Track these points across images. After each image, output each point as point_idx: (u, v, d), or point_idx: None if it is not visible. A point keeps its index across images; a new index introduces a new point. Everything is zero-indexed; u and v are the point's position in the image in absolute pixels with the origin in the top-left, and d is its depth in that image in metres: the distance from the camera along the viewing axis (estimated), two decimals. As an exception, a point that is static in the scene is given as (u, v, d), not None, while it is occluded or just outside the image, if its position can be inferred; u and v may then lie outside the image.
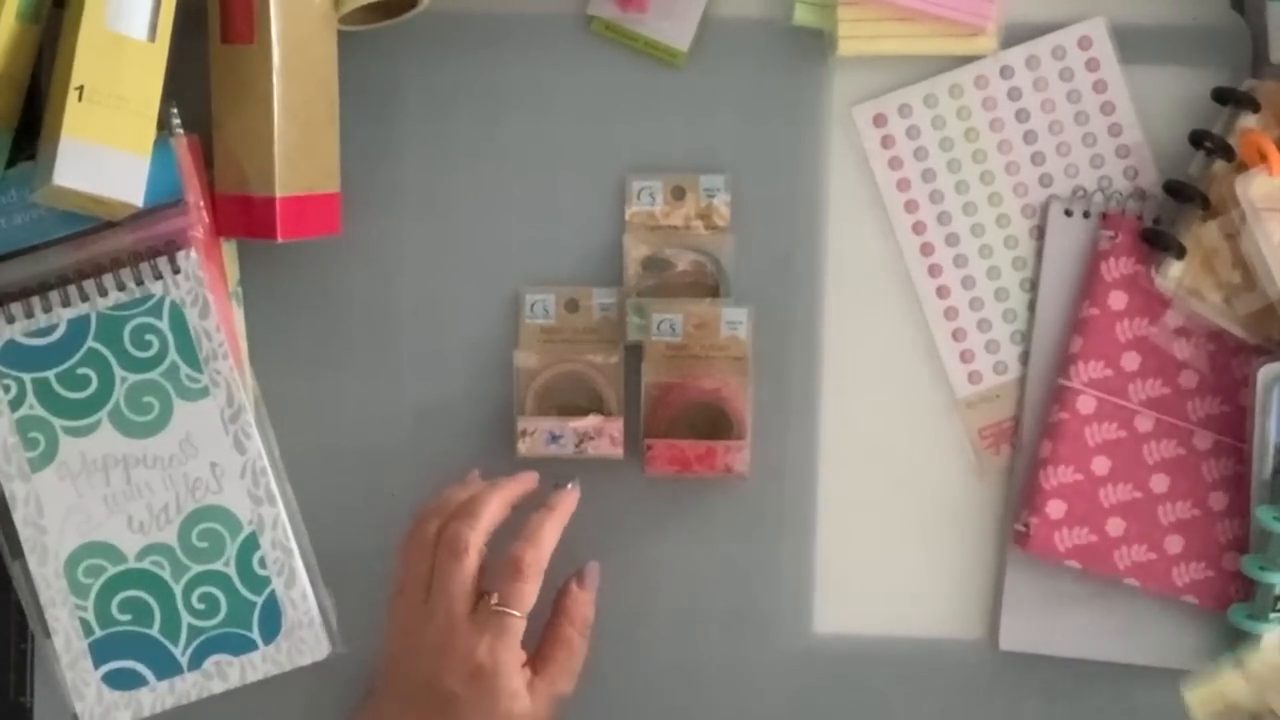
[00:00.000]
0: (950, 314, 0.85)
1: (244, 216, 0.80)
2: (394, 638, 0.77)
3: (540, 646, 0.79)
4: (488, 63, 0.85)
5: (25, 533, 0.81)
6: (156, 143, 0.77)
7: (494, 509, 0.77)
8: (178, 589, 0.81)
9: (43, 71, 0.80)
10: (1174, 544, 0.83)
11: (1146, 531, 0.83)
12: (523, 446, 0.82)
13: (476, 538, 0.76)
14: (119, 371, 0.81)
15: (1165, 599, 0.83)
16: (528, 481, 0.80)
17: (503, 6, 0.85)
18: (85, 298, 0.80)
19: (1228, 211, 0.79)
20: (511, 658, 0.75)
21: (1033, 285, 0.85)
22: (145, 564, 0.81)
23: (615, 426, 0.82)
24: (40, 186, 0.75)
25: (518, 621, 0.75)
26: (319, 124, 0.81)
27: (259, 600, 0.82)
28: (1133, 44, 0.84)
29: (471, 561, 0.75)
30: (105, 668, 0.81)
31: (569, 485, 0.81)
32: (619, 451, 0.82)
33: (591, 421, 0.82)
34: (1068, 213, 0.84)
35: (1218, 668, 0.76)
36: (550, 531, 0.77)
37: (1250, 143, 0.79)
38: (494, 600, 0.75)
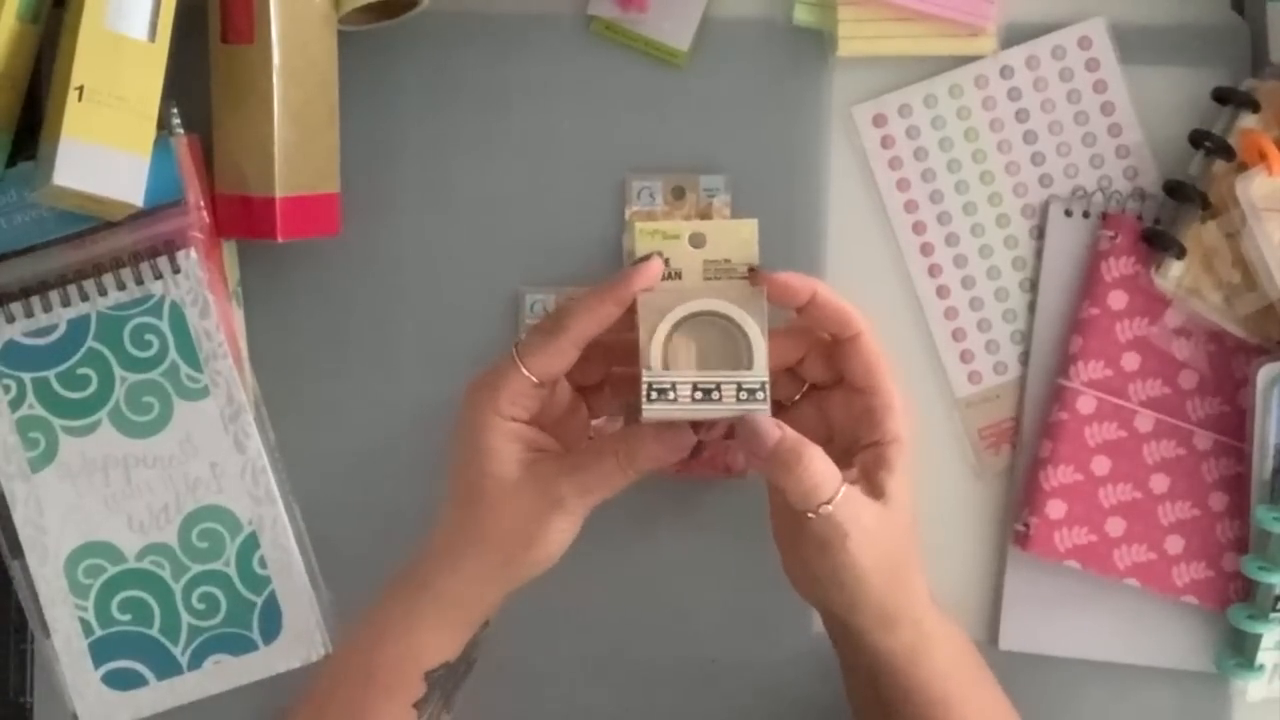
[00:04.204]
0: (950, 314, 0.85)
1: (244, 216, 0.80)
2: None
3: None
4: (488, 62, 0.85)
5: (25, 533, 0.81)
6: (156, 143, 0.77)
7: (587, 312, 0.70)
8: (177, 589, 0.81)
9: (43, 71, 0.80)
10: (1174, 544, 0.83)
11: (1146, 531, 0.83)
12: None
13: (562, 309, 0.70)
14: (119, 371, 0.81)
15: (1165, 599, 0.83)
16: (631, 277, 0.70)
17: (503, 6, 0.85)
18: (85, 298, 0.80)
19: (1228, 211, 0.79)
20: (483, 403, 0.70)
21: (1033, 285, 0.85)
22: (145, 564, 0.81)
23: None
24: (40, 186, 0.75)
25: (514, 370, 0.70)
26: (319, 124, 0.81)
27: (259, 600, 0.82)
28: (1133, 44, 0.84)
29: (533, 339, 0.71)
30: (105, 668, 0.81)
31: (650, 260, 0.71)
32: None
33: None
34: (1068, 213, 0.84)
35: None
36: (585, 299, 0.70)
37: (1250, 143, 0.79)
38: (514, 347, 0.71)
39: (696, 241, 0.72)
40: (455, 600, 0.73)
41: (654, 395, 0.70)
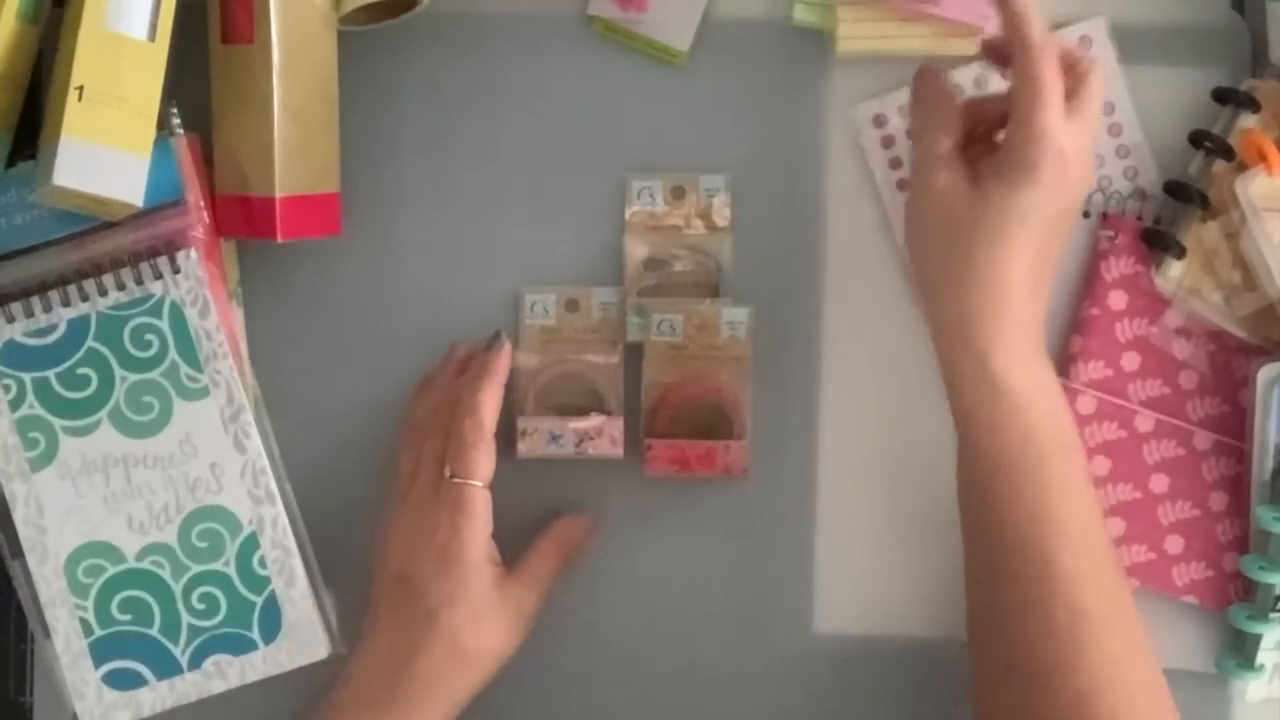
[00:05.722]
0: (950, 314, 0.85)
1: (244, 216, 0.80)
2: (379, 538, 0.80)
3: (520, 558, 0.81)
4: (488, 63, 0.85)
5: (25, 533, 0.81)
6: (156, 143, 0.77)
7: (490, 403, 0.78)
8: (177, 589, 0.81)
9: (43, 71, 0.80)
10: (1174, 544, 0.83)
11: (1146, 531, 0.83)
12: (522, 446, 0.82)
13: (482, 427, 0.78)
14: (119, 371, 0.81)
15: (1165, 599, 0.83)
16: (506, 359, 0.80)
17: (503, 6, 0.85)
18: (85, 298, 0.80)
19: (1228, 211, 0.79)
20: (473, 531, 0.77)
21: (1033, 285, 0.85)
22: (145, 564, 0.81)
23: (615, 426, 0.82)
24: (40, 186, 0.75)
25: (477, 491, 0.77)
26: (319, 124, 0.81)
27: (259, 600, 0.81)
28: (1133, 44, 0.84)
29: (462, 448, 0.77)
30: (105, 668, 0.81)
31: (496, 342, 0.81)
32: (619, 451, 0.82)
33: (591, 421, 0.82)
34: (1068, 213, 0.84)
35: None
36: (488, 396, 0.78)
37: (1250, 143, 0.79)
38: (448, 473, 0.77)
39: None
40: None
41: None
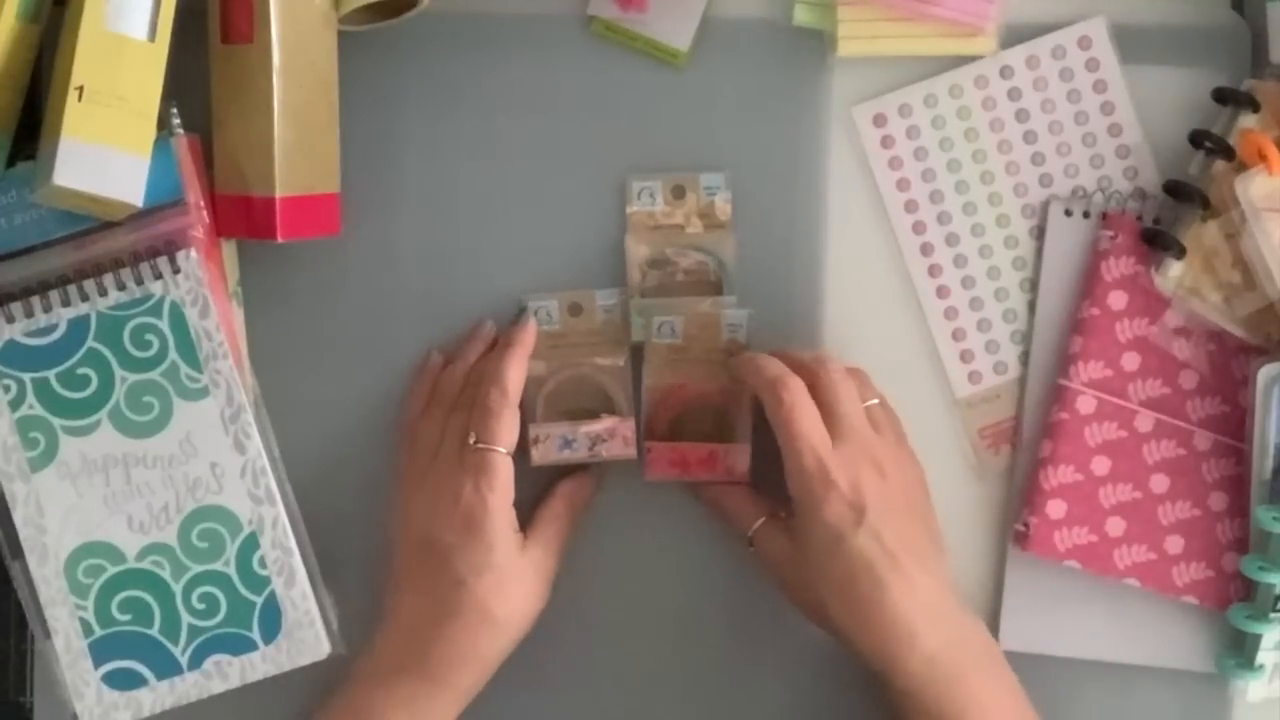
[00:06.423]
0: (950, 314, 0.85)
1: (244, 216, 0.80)
2: (401, 508, 0.81)
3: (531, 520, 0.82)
4: (488, 63, 0.85)
5: (25, 533, 0.81)
6: (156, 143, 0.77)
7: (516, 373, 0.80)
8: (177, 589, 0.81)
9: (43, 71, 0.80)
10: (1174, 544, 0.83)
11: (1146, 531, 0.83)
12: (535, 453, 0.82)
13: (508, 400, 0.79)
14: (119, 371, 0.81)
15: (1165, 599, 0.83)
16: (532, 332, 0.83)
17: (503, 6, 0.85)
18: (85, 298, 0.80)
19: (1228, 211, 0.79)
20: (498, 498, 0.78)
21: (1033, 285, 0.85)
22: (145, 564, 0.81)
23: (627, 427, 0.82)
24: (40, 186, 0.75)
25: (500, 457, 0.78)
26: (319, 124, 0.81)
27: (259, 600, 0.81)
28: (1133, 44, 0.84)
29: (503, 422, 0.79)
30: (105, 668, 0.81)
31: (525, 316, 0.83)
32: (632, 452, 0.82)
33: (604, 424, 0.82)
34: (1068, 213, 0.84)
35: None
36: (514, 365, 0.80)
37: (1250, 143, 0.79)
38: (472, 440, 0.78)
39: None
40: (470, 691, 0.79)
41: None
